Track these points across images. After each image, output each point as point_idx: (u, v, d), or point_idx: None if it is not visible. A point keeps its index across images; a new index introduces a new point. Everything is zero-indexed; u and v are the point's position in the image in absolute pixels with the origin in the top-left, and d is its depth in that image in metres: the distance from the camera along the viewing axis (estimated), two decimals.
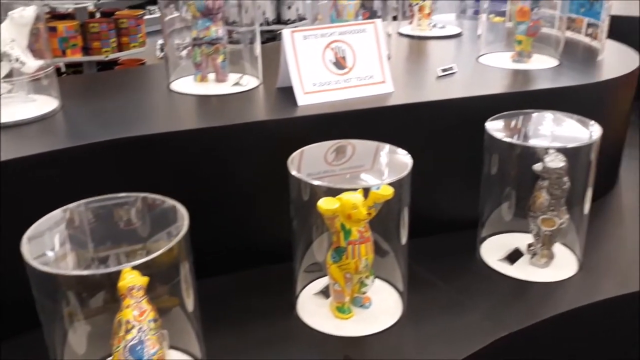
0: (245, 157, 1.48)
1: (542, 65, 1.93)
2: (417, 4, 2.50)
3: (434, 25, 2.52)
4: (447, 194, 1.72)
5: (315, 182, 1.22)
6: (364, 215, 1.21)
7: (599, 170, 1.51)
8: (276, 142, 1.45)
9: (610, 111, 1.91)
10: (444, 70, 1.83)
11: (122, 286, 0.99)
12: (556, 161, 1.36)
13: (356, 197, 1.20)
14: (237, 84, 1.70)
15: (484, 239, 1.66)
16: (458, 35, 2.45)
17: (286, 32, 1.58)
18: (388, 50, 2.08)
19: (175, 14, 1.81)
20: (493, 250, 1.62)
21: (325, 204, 1.18)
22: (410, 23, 2.55)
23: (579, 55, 2.09)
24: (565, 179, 1.37)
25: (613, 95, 1.90)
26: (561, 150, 1.41)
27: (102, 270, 1.07)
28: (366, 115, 1.57)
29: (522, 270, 1.53)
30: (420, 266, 1.52)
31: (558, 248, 1.58)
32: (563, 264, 1.55)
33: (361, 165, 1.51)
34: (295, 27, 5.36)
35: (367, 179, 1.44)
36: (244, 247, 1.55)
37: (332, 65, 1.62)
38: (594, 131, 1.49)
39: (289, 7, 5.38)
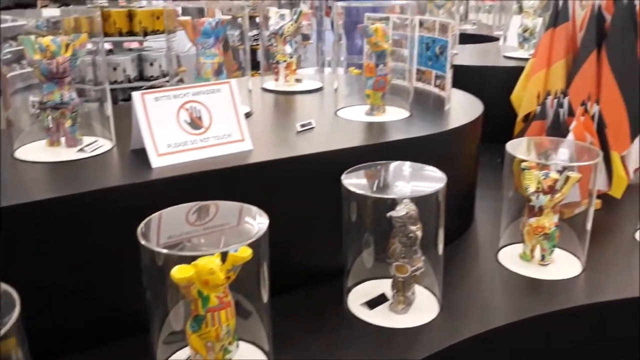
0: (96, 226, 1.41)
1: (395, 117, 2.04)
2: (284, 61, 2.55)
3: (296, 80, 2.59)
4: (312, 246, 1.73)
5: (164, 251, 1.18)
6: (222, 280, 1.18)
7: (454, 211, 1.59)
8: (130, 208, 1.39)
9: (460, 156, 2.04)
10: (303, 125, 1.87)
11: None
12: (400, 210, 1.41)
13: (213, 262, 1.17)
14: (81, 149, 1.62)
15: (351, 288, 1.68)
16: (320, 89, 2.53)
17: (136, 95, 1.54)
18: (250, 106, 2.11)
19: (22, 70, 1.72)
20: (360, 299, 1.64)
21: (178, 272, 1.14)
22: (276, 80, 2.59)
23: (429, 105, 2.22)
24: (414, 227, 1.42)
25: (461, 141, 2.03)
26: (412, 198, 1.47)
27: None
28: (225, 174, 1.56)
29: (387, 318, 1.56)
30: (287, 323, 1.51)
31: (420, 291, 1.64)
32: (425, 308, 1.61)
33: (226, 224, 1.48)
34: (166, 82, 5.31)
35: (233, 238, 1.42)
36: (98, 321, 1.46)
37: (187, 126, 1.60)
38: (440, 178, 1.57)
39: (152, 64, 5.32)
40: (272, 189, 1.61)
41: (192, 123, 1.60)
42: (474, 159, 2.17)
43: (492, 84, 3.01)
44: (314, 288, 1.70)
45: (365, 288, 1.69)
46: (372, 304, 1.60)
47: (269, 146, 1.78)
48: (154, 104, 1.55)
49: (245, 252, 1.19)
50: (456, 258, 1.90)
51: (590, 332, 1.70)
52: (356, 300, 1.65)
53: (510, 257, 1.89)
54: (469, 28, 5.08)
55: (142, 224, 1.26)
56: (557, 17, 2.54)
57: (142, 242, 1.20)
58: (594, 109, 2.17)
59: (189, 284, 1.17)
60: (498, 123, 2.50)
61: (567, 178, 1.68)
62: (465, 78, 2.56)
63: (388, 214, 1.43)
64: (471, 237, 2.10)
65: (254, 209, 1.37)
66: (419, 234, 1.44)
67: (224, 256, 1.19)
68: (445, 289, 1.65)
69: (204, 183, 1.53)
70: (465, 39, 4.28)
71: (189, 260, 1.16)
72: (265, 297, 1.32)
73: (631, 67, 2.32)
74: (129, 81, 5.30)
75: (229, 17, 2.05)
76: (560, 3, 2.53)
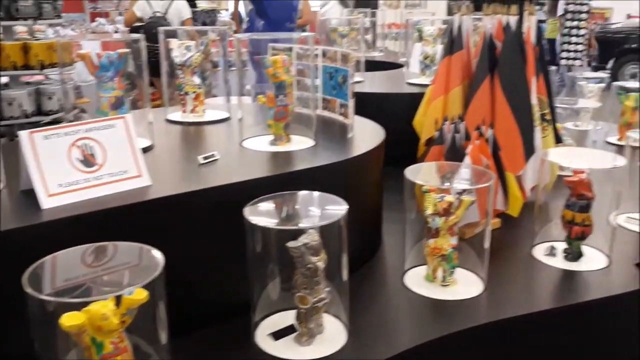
0: None
1: (300, 146, 2.05)
2: (194, 92, 2.51)
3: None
4: (218, 282, 1.70)
5: (49, 298, 1.12)
6: (117, 325, 1.13)
7: (360, 237, 1.60)
8: (20, 252, 1.32)
9: (364, 182, 2.08)
10: (205, 157, 1.85)
11: None
12: (298, 241, 1.41)
13: (106, 307, 1.12)
14: None
15: (259, 322, 1.66)
16: (226, 119, 2.51)
17: (23, 134, 1.48)
18: (151, 140, 2.06)
19: None
20: (268, 333, 1.62)
21: (68, 319, 1.09)
22: (184, 112, 2.54)
23: (335, 133, 2.26)
24: (314, 258, 1.42)
25: (364, 168, 2.07)
26: (315, 228, 1.48)
27: None
28: (121, 212, 1.51)
29: (295, 351, 1.55)
30: None
31: (328, 319, 1.64)
32: (333, 336, 1.61)
33: (126, 264, 1.43)
34: (72, 115, 5.13)
35: (132, 279, 1.37)
36: None
37: (79, 164, 1.54)
38: (341, 207, 1.58)
39: (50, 98, 5.11)
40: (173, 225, 1.58)
41: (85, 161, 1.55)
42: (378, 184, 2.22)
43: (397, 110, 3.10)
44: (221, 325, 1.66)
45: (274, 321, 1.67)
46: (278, 335, 1.58)
47: (170, 181, 1.75)
48: (44, 142, 1.49)
49: (141, 295, 1.15)
50: (364, 283, 1.92)
51: (494, 350, 1.76)
52: (264, 334, 1.62)
53: (416, 279, 1.93)
54: (377, 55, 5.23)
55: (29, 270, 1.20)
56: (452, 45, 2.66)
57: (27, 289, 1.13)
58: (489, 132, 2.28)
59: (81, 331, 1.11)
60: (404, 147, 2.59)
61: (461, 201, 1.75)
62: (372, 105, 2.64)
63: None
64: (379, 260, 2.13)
65: (152, 248, 1.33)
66: (320, 264, 1.44)
67: (119, 299, 1.15)
68: (354, 316, 1.66)
69: (100, 222, 1.48)
70: (373, 66, 4.41)
71: (79, 306, 1.11)
72: (164, 338, 1.28)
73: (521, 91, 2.46)
74: (26, 116, 5.08)
75: (127, 50, 2.01)
76: (455, 32, 2.66)
